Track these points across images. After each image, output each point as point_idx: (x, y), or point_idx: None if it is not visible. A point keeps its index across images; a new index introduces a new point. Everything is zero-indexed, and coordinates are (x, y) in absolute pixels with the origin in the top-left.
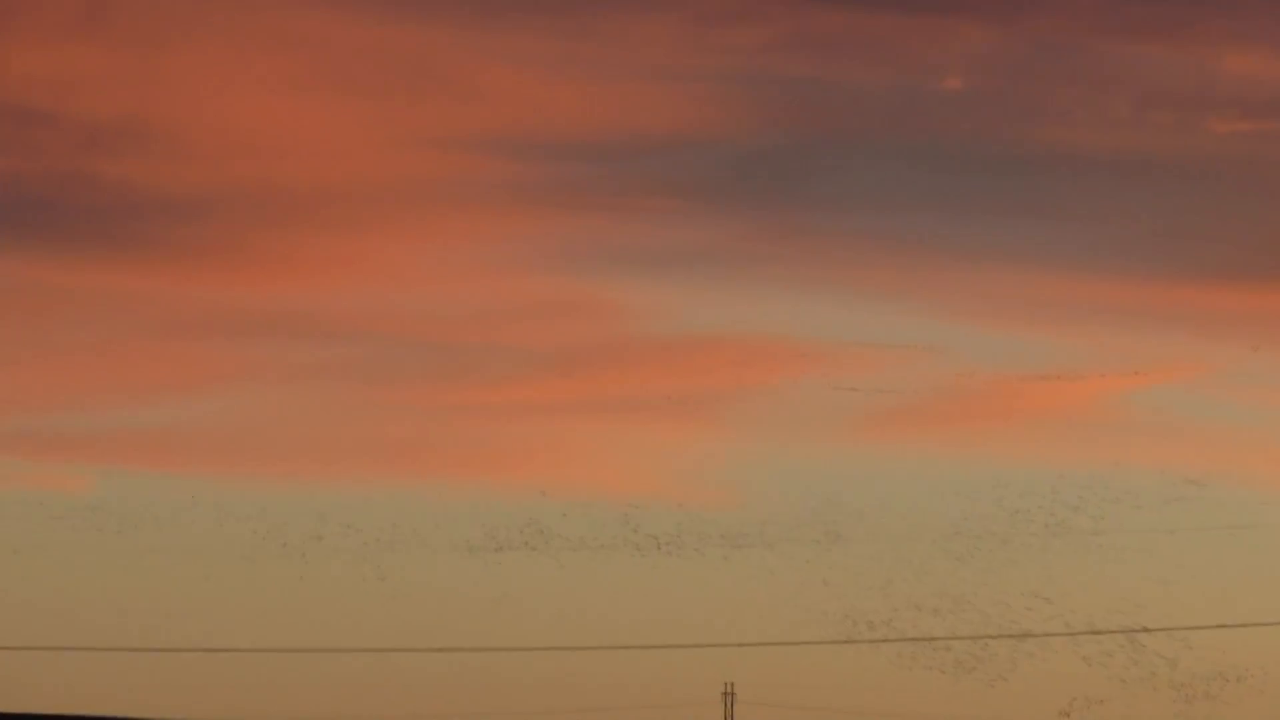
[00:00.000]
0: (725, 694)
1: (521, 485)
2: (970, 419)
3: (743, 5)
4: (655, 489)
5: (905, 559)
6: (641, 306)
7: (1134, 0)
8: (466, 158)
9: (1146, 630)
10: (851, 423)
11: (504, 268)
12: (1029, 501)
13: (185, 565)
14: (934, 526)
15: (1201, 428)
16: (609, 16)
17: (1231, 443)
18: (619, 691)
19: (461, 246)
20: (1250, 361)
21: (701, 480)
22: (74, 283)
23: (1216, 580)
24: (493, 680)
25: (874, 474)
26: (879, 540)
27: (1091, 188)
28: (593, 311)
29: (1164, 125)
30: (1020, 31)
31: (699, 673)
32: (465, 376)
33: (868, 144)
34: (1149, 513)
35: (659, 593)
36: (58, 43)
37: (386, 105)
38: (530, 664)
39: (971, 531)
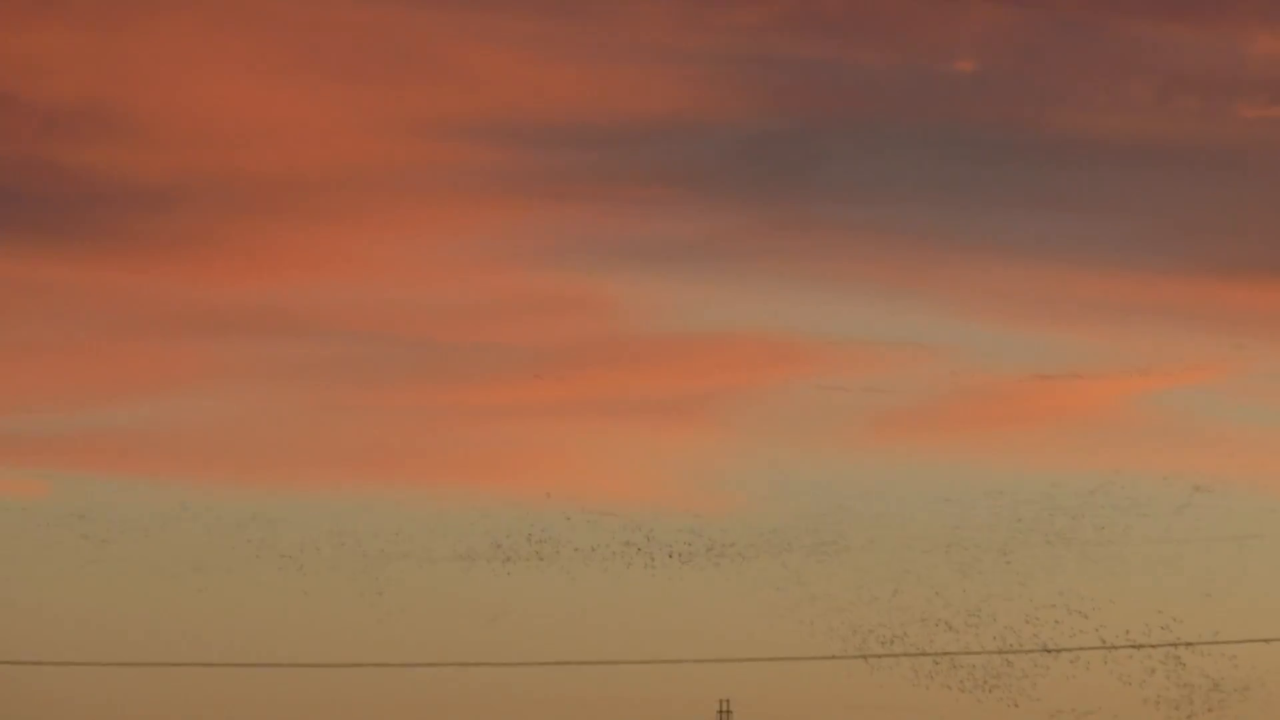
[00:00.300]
0: (720, 712)
1: (506, 492)
2: (988, 421)
3: None
4: (647, 495)
5: (912, 568)
6: (636, 302)
7: None
8: (450, 144)
9: (1187, 645)
10: (860, 425)
11: (491, 261)
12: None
13: (150, 575)
14: (939, 534)
15: (1223, 430)
16: None
17: (1258, 446)
18: (603, 709)
19: (445, 238)
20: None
21: (699, 487)
22: (31, 276)
23: (1262, 590)
24: (477, 695)
25: (880, 479)
26: (884, 549)
27: (1111, 177)
28: (584, 307)
29: (1189, 110)
30: (1036, 11)
31: (691, 689)
32: (449, 376)
33: (875, 130)
34: (1183, 520)
35: (654, 604)
36: (14, 21)
37: (365, 89)
38: (517, 679)
39: (1011, 537)
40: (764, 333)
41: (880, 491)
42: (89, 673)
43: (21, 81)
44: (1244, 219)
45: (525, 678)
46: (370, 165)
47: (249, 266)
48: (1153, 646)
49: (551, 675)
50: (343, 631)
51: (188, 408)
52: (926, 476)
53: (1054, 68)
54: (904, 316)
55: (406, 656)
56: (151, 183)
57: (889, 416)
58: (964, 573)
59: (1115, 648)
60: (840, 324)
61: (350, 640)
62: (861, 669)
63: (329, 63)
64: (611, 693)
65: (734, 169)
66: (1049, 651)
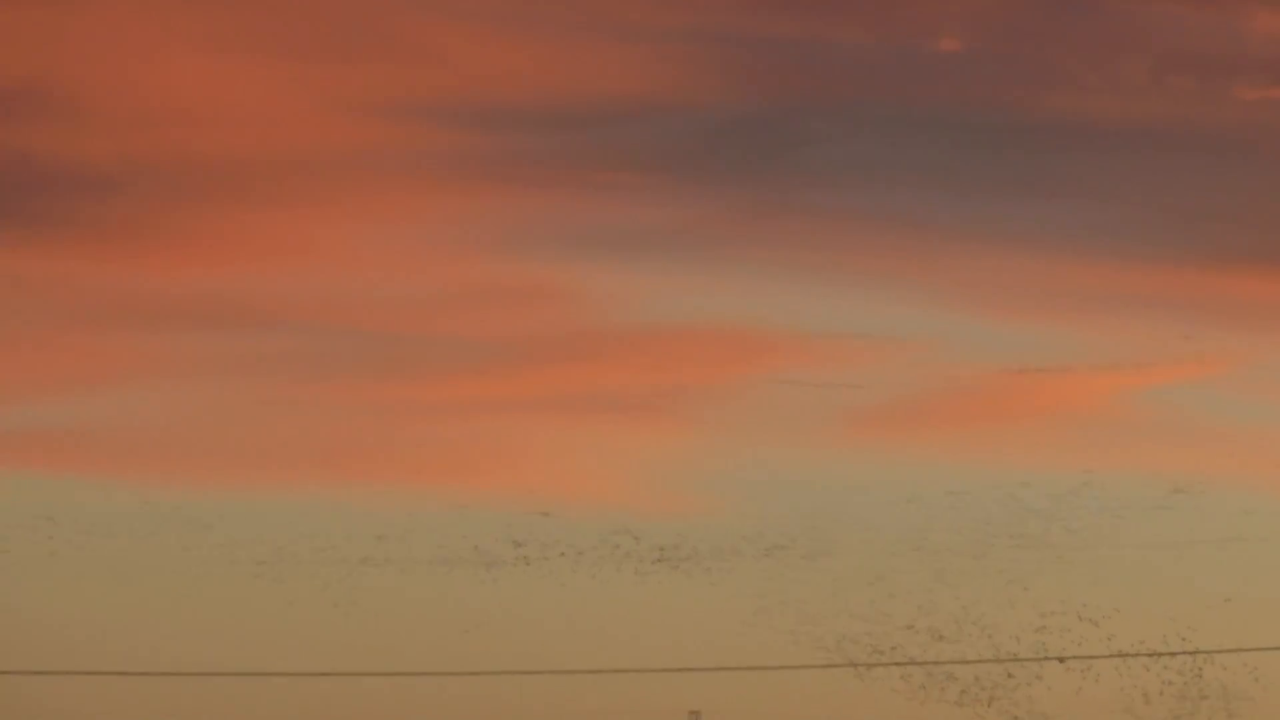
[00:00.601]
0: None
1: (463, 493)
2: (980, 418)
3: None
4: (611, 497)
5: (899, 572)
6: (605, 293)
7: None
8: (407, 126)
9: (1206, 654)
10: (840, 422)
11: (451, 249)
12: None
13: (91, 579)
14: (933, 537)
15: (1219, 426)
16: None
17: (1257, 441)
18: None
19: (404, 225)
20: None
21: (669, 487)
22: None
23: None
24: (437, 705)
25: (863, 478)
26: (869, 552)
27: (1104, 161)
28: (549, 298)
29: (1186, 91)
30: None
31: (661, 699)
32: (407, 369)
33: (855, 112)
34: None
35: (623, 611)
36: None
37: (319, 67)
38: (482, 687)
39: (1020, 537)
40: (738, 325)
41: (863, 489)
42: (43, 681)
43: None
44: (1241, 206)
45: (488, 687)
46: (323, 148)
47: (197, 254)
48: (1170, 655)
49: (514, 684)
50: (312, 638)
51: (134, 402)
52: (908, 474)
53: (1043, 47)
54: (887, 308)
55: (364, 664)
56: (94, 166)
57: (870, 412)
58: (941, 578)
59: (1130, 655)
60: (819, 316)
61: (320, 647)
62: (829, 678)
63: (282, 41)
64: (581, 703)
65: (707, 153)
66: (1046, 660)
